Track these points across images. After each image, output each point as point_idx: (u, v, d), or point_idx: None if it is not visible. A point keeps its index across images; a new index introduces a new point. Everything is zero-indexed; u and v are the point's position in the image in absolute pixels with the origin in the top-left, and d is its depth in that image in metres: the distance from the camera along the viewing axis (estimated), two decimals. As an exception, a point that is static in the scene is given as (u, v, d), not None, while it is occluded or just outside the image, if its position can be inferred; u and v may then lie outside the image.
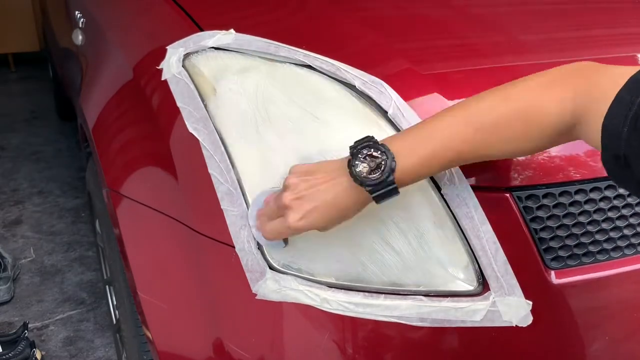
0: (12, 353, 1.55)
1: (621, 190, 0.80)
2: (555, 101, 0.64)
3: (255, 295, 0.76)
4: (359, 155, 0.66)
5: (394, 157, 0.65)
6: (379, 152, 0.65)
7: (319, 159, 0.76)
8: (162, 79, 0.88)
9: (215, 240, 0.79)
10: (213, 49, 0.87)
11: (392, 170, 0.65)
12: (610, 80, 0.60)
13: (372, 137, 0.67)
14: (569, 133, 0.65)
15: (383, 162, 0.65)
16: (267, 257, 0.76)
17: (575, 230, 0.79)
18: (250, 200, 0.77)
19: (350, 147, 0.67)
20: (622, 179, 0.59)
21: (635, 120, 0.54)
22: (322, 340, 0.76)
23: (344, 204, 0.68)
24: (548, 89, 0.65)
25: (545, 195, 0.77)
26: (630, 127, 0.54)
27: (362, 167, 0.65)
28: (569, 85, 0.64)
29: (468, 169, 0.75)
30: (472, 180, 0.75)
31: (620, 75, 0.59)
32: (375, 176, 0.64)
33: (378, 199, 0.66)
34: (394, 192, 0.66)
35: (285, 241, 0.75)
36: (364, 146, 0.66)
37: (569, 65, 0.67)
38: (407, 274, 0.75)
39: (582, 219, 0.79)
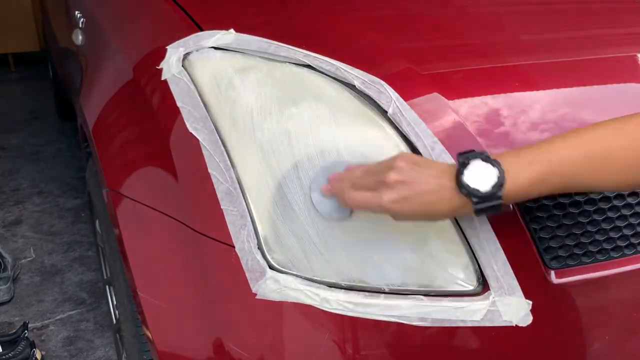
0: (12, 353, 1.55)
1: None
2: None
3: (255, 295, 0.76)
4: (469, 166, 0.66)
5: (504, 173, 0.66)
6: (490, 164, 0.66)
7: (319, 159, 0.76)
8: (162, 79, 0.88)
9: (215, 240, 0.79)
10: (213, 49, 0.87)
11: (501, 186, 0.65)
12: None
13: (484, 152, 0.68)
14: None
15: (493, 176, 0.65)
16: (268, 257, 0.76)
17: (575, 230, 0.79)
18: (250, 199, 0.77)
19: (459, 155, 0.68)
20: None
21: None
22: (322, 340, 0.76)
23: (441, 207, 0.68)
24: None
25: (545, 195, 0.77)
26: None
27: (470, 178, 0.66)
28: None
29: (468, 169, 0.75)
30: (472, 180, 0.75)
31: None
32: (483, 188, 0.65)
33: (479, 212, 0.67)
34: (498, 208, 0.66)
35: (351, 213, 0.74)
36: (475, 157, 0.67)
37: None
38: (407, 273, 0.75)
39: (582, 219, 0.79)
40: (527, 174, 0.66)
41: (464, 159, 0.67)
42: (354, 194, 0.71)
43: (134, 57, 1.08)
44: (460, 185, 0.66)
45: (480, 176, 0.65)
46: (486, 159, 0.66)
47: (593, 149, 0.66)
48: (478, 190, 0.65)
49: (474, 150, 0.69)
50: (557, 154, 0.67)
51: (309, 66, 0.83)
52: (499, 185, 0.65)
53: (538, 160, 0.67)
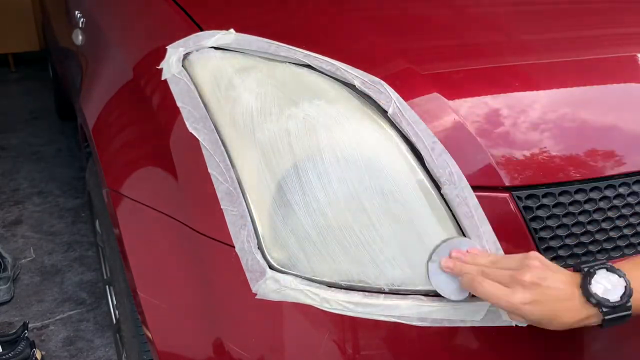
0: (12, 353, 1.55)
1: (621, 190, 0.80)
2: None
3: (255, 295, 0.76)
4: (595, 275, 0.66)
5: (630, 283, 0.66)
6: (615, 274, 0.66)
7: (319, 159, 0.76)
8: (162, 79, 0.88)
9: (215, 240, 0.79)
10: (213, 49, 0.87)
11: (630, 296, 0.65)
12: None
13: (607, 262, 0.68)
14: None
15: (621, 286, 0.66)
16: (268, 257, 0.76)
17: (575, 230, 0.79)
18: (250, 199, 0.77)
19: (578, 264, 0.68)
20: None
21: None
22: (322, 340, 0.76)
23: (568, 316, 0.67)
24: None
25: (545, 195, 0.77)
26: None
27: (598, 288, 0.66)
28: None
29: (468, 169, 0.75)
30: (472, 180, 0.75)
31: None
32: (613, 298, 0.65)
33: (608, 323, 0.66)
34: (627, 317, 0.66)
35: (470, 296, 0.74)
36: (600, 267, 0.67)
37: None
38: (407, 273, 0.75)
39: (582, 218, 0.79)
40: None
41: (588, 268, 0.67)
42: (485, 283, 0.69)
43: (134, 57, 1.08)
44: (589, 295, 0.66)
45: (608, 286, 0.66)
46: (611, 269, 0.67)
47: None
48: (608, 300, 0.65)
49: (594, 259, 0.70)
50: None
51: (309, 66, 0.83)
52: (628, 295, 0.65)
53: None
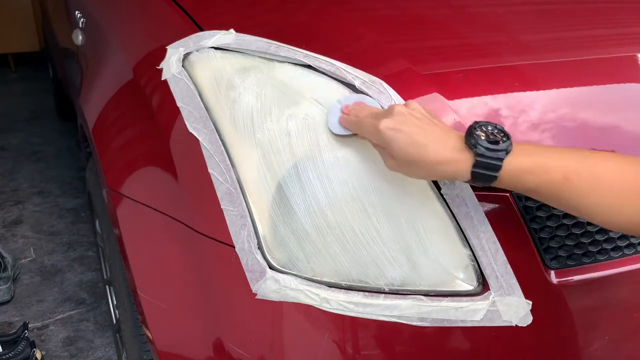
0: (12, 353, 1.55)
1: None
2: None
3: (255, 295, 0.76)
4: (483, 127, 0.66)
5: (512, 144, 0.65)
6: (502, 134, 0.66)
7: (319, 159, 0.76)
8: (162, 79, 0.88)
9: (215, 240, 0.79)
10: (213, 49, 0.87)
11: (507, 151, 0.65)
12: None
13: (501, 126, 0.68)
14: None
15: (502, 141, 0.65)
16: (268, 257, 0.76)
17: (575, 230, 0.79)
18: (250, 199, 0.77)
19: (476, 121, 0.68)
20: None
21: None
22: (322, 340, 0.76)
23: (433, 151, 0.66)
24: None
25: (545, 195, 0.77)
26: None
27: (480, 133, 0.66)
28: None
29: (468, 169, 0.75)
30: (472, 180, 0.75)
31: None
32: (490, 145, 0.64)
33: (479, 166, 0.65)
34: (496, 168, 0.65)
35: (348, 134, 0.76)
36: (490, 124, 0.67)
37: None
38: (407, 273, 0.75)
39: (582, 218, 0.79)
40: (533, 159, 0.65)
41: (478, 122, 0.67)
42: (362, 117, 0.73)
43: (134, 57, 1.08)
44: (469, 135, 0.65)
45: (490, 136, 0.65)
46: (501, 128, 0.67)
47: (596, 162, 0.65)
48: (484, 142, 0.64)
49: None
50: (565, 157, 0.66)
51: (309, 66, 0.82)
52: (505, 150, 0.65)
53: (545, 154, 0.66)
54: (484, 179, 0.65)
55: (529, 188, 0.66)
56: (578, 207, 0.67)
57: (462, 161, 0.66)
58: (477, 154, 0.65)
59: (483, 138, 0.65)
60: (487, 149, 0.64)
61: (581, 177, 0.64)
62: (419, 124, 0.68)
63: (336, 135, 0.77)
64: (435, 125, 0.69)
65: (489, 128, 0.66)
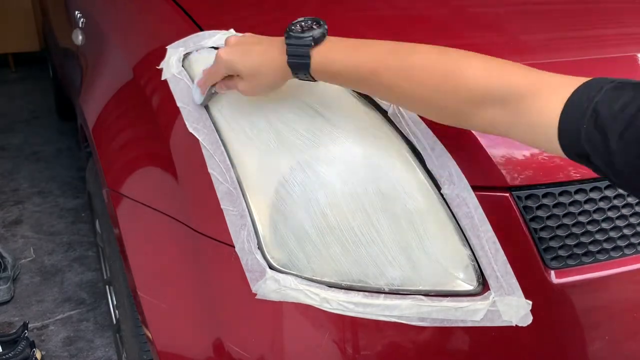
0: (12, 353, 1.55)
1: (621, 190, 0.80)
2: (485, 70, 0.64)
3: (255, 295, 0.76)
4: (302, 22, 0.71)
5: (325, 35, 0.70)
6: (318, 25, 0.70)
7: (319, 159, 0.76)
8: (162, 79, 0.88)
9: (215, 240, 0.79)
10: (213, 49, 0.87)
11: (315, 40, 0.69)
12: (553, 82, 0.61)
13: (322, 19, 0.71)
14: (490, 112, 0.64)
15: (314, 29, 0.69)
16: (268, 257, 0.76)
17: (575, 230, 0.79)
18: (250, 199, 0.77)
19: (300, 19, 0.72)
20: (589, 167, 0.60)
21: (595, 119, 0.54)
22: (322, 340, 0.76)
23: (267, 57, 0.72)
24: (486, 61, 0.65)
25: (545, 195, 0.77)
26: (589, 124, 0.55)
27: (297, 27, 0.70)
28: (507, 68, 0.64)
29: (468, 169, 0.75)
30: (472, 180, 0.75)
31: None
32: (300, 34, 0.69)
33: (290, 56, 0.69)
34: (305, 57, 0.69)
35: (206, 98, 0.81)
36: (310, 18, 0.71)
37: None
38: (407, 273, 0.75)
39: (582, 218, 0.79)
40: (342, 51, 0.69)
41: (302, 18, 0.72)
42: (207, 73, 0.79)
43: (134, 57, 1.08)
44: (287, 30, 0.70)
45: (305, 27, 0.70)
46: (319, 21, 0.71)
47: (405, 55, 0.67)
48: (295, 33, 0.69)
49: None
50: (374, 49, 0.69)
51: (308, 66, 0.82)
52: (314, 39, 0.68)
53: (356, 47, 0.69)
54: (299, 67, 0.70)
55: (344, 82, 0.71)
56: (391, 99, 0.72)
57: (284, 53, 0.70)
58: (287, 45, 0.69)
59: (295, 29, 0.69)
60: (296, 37, 0.69)
61: (390, 71, 0.67)
62: (250, 41, 0.75)
63: (202, 104, 0.82)
64: (265, 37, 0.75)
65: (308, 22, 0.71)
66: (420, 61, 0.66)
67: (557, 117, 0.57)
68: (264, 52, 0.72)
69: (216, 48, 0.87)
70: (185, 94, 0.85)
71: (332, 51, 0.69)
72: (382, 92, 0.71)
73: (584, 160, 0.57)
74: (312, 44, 0.69)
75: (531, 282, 0.77)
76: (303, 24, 0.71)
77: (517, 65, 0.64)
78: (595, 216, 0.79)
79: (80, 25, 1.56)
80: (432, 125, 0.76)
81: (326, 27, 0.70)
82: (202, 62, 0.86)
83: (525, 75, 0.62)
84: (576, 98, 0.57)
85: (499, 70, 0.64)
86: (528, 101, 0.60)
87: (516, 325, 0.74)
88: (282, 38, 0.71)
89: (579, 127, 0.56)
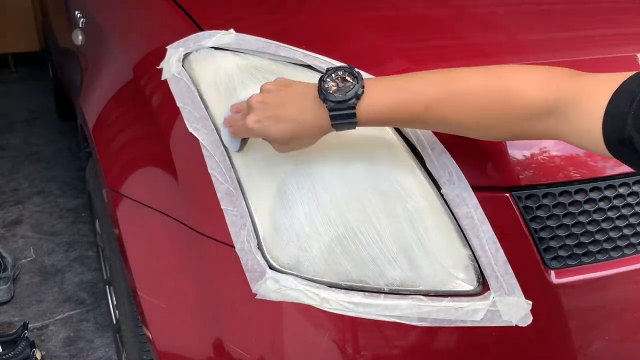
0: (12, 353, 1.55)
1: (621, 190, 0.80)
2: (537, 84, 0.64)
3: (255, 295, 0.76)
4: (332, 74, 0.67)
5: (363, 86, 0.66)
6: (352, 77, 0.67)
7: (319, 159, 0.76)
8: (162, 79, 0.88)
9: (215, 240, 0.79)
10: (213, 49, 0.87)
11: (357, 97, 0.66)
12: (594, 81, 0.61)
13: (352, 66, 0.69)
14: (543, 123, 0.64)
15: (351, 86, 0.66)
16: (268, 257, 0.76)
17: (575, 230, 0.79)
18: (250, 199, 0.77)
19: (327, 69, 0.69)
20: (630, 162, 0.59)
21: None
22: (322, 340, 0.76)
23: (303, 121, 0.69)
24: (533, 74, 0.65)
25: (545, 195, 0.77)
26: (637, 109, 0.55)
27: (330, 84, 0.67)
28: (555, 78, 0.64)
29: (468, 169, 0.75)
30: (472, 180, 0.75)
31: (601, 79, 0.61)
32: (339, 95, 0.66)
33: (335, 119, 0.67)
34: (352, 117, 0.67)
35: (242, 146, 0.78)
36: (339, 69, 0.68)
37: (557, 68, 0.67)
38: (407, 273, 0.75)
39: (581, 218, 0.79)
40: (389, 95, 0.67)
41: (329, 70, 0.68)
42: (232, 118, 0.76)
43: (134, 57, 1.08)
44: (320, 90, 0.67)
45: (340, 84, 0.67)
46: (350, 70, 0.67)
47: (456, 84, 0.66)
48: (333, 96, 0.66)
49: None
50: (422, 85, 0.67)
51: (309, 66, 0.83)
52: (355, 94, 0.66)
53: (401, 87, 0.67)
54: (348, 126, 0.68)
55: (394, 124, 0.70)
56: (445, 129, 0.70)
57: (324, 117, 0.68)
58: (329, 110, 0.67)
59: (332, 90, 0.67)
60: (335, 102, 0.66)
61: (443, 103, 0.66)
62: (278, 101, 0.70)
63: (238, 151, 0.79)
64: (291, 88, 0.71)
65: (339, 73, 0.68)
66: (469, 87, 0.65)
67: (602, 115, 0.58)
68: (297, 118, 0.69)
69: (216, 48, 0.87)
70: (185, 94, 0.85)
71: (376, 101, 0.67)
72: (434, 126, 0.70)
73: (626, 147, 0.57)
74: (356, 103, 0.66)
75: (531, 282, 0.77)
76: (338, 76, 0.67)
77: (559, 69, 0.65)
78: (595, 216, 0.79)
79: (80, 25, 1.56)
80: (432, 125, 0.76)
81: (361, 76, 0.67)
82: (202, 62, 0.86)
83: (571, 79, 0.63)
84: (622, 89, 0.57)
85: (547, 79, 0.64)
86: (577, 106, 0.61)
87: (516, 325, 0.74)
88: (316, 94, 0.68)
89: (624, 113, 0.56)
